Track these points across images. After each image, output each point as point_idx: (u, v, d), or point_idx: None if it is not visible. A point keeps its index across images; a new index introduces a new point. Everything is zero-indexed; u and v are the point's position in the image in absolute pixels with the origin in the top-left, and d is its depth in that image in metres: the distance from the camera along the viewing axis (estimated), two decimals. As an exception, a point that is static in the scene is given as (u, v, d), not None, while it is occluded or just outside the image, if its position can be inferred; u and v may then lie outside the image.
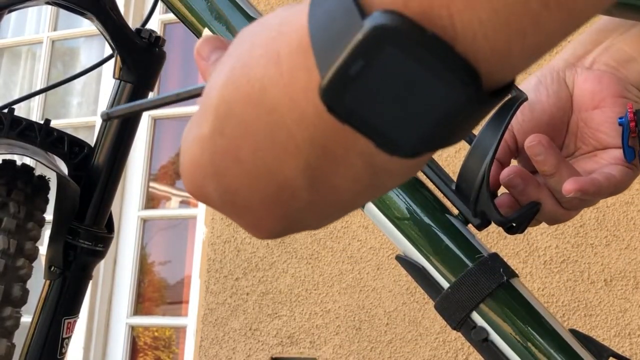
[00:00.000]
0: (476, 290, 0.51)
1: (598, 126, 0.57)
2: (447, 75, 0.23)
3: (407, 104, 0.23)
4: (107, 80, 2.73)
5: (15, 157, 0.84)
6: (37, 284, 0.81)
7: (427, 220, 0.54)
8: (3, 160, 0.82)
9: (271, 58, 0.26)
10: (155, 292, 2.73)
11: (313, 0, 0.25)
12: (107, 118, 0.37)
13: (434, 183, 0.56)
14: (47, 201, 0.85)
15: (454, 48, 0.22)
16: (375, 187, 0.28)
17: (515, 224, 0.53)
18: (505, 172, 0.55)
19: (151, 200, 2.71)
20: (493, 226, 0.53)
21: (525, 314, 0.51)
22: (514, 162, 0.60)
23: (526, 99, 0.50)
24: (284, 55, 0.26)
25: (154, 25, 2.68)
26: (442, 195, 0.58)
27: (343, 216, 0.31)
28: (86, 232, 0.82)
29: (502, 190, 0.56)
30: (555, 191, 0.55)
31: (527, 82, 0.60)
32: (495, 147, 0.50)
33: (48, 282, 0.82)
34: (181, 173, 0.31)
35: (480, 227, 0.53)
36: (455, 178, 0.54)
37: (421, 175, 0.58)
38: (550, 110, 0.59)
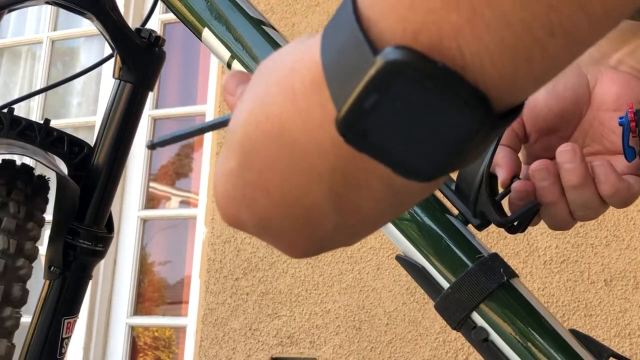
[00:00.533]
0: (476, 290, 0.51)
1: (616, 129, 0.56)
2: (458, 102, 0.23)
3: (422, 133, 0.24)
4: (107, 80, 2.73)
5: (15, 157, 0.84)
6: (37, 284, 0.81)
7: (427, 220, 0.54)
8: (3, 160, 0.82)
9: (287, 95, 0.27)
10: (155, 292, 2.73)
11: (325, 35, 0.26)
12: (152, 147, 0.39)
13: None
14: (46, 201, 0.85)
15: (464, 77, 0.23)
16: (398, 206, 0.29)
17: (517, 228, 0.53)
18: (539, 163, 0.54)
19: (151, 200, 2.71)
20: (493, 226, 0.53)
21: (525, 314, 0.51)
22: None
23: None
24: (299, 92, 0.27)
25: (154, 25, 2.68)
26: (442, 195, 0.58)
27: (372, 233, 0.32)
28: (86, 232, 0.81)
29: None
30: (572, 201, 0.53)
31: None
32: (493, 148, 0.50)
33: (48, 282, 0.82)
34: (216, 204, 0.34)
35: (480, 228, 0.53)
36: (455, 178, 0.54)
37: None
38: (564, 102, 0.57)
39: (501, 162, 0.55)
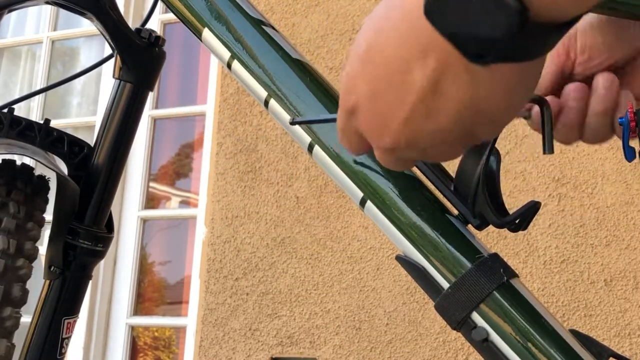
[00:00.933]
0: (476, 290, 0.51)
1: None
2: (505, 6, 0.33)
3: (479, 22, 0.34)
4: (107, 80, 2.73)
5: (15, 157, 0.84)
6: (37, 284, 0.81)
7: (427, 220, 0.54)
8: (3, 160, 0.82)
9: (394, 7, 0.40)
10: (155, 292, 2.73)
11: None
12: (293, 124, 0.56)
13: (433, 183, 0.56)
14: (46, 201, 0.85)
15: None
16: (477, 99, 0.38)
17: (518, 226, 0.53)
18: (576, 85, 0.57)
19: (151, 200, 2.71)
20: (493, 226, 0.53)
21: (525, 314, 0.51)
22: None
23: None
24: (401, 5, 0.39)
25: (154, 25, 2.68)
26: (441, 195, 0.58)
27: (464, 126, 0.40)
28: (86, 232, 0.81)
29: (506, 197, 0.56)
30: (588, 124, 0.57)
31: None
32: (489, 149, 0.50)
33: (48, 282, 0.82)
34: (342, 81, 0.45)
35: (480, 227, 0.53)
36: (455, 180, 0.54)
37: (421, 176, 0.58)
38: (629, 45, 0.59)
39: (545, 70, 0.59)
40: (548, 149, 0.50)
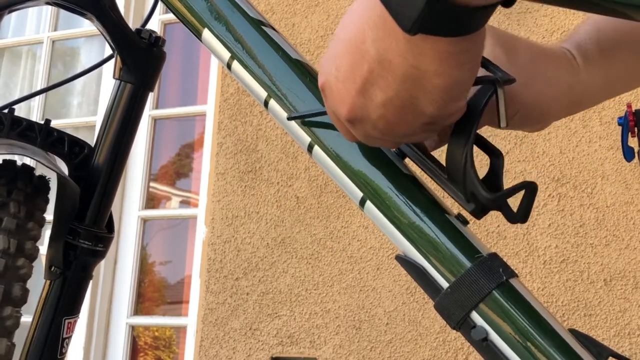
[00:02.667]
0: (476, 290, 0.51)
1: None
2: None
3: None
4: (107, 81, 2.73)
5: (16, 157, 0.84)
6: (37, 284, 0.81)
7: (426, 220, 0.54)
8: (3, 160, 0.82)
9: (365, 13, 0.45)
10: (155, 292, 2.73)
11: None
12: (290, 119, 0.60)
13: (427, 173, 0.56)
14: (47, 201, 0.85)
15: None
16: (416, 69, 0.43)
17: (516, 215, 0.53)
18: None
19: (151, 200, 2.72)
20: (493, 226, 0.53)
21: (524, 314, 0.51)
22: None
23: (503, 84, 0.51)
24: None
25: (154, 25, 2.68)
26: (441, 192, 0.58)
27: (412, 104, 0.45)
28: (86, 232, 0.82)
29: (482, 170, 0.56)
30: None
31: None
32: (475, 127, 0.50)
33: (48, 282, 0.82)
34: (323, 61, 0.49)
35: (476, 214, 0.53)
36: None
37: (421, 175, 0.58)
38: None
39: None
40: (502, 122, 0.51)
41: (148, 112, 2.62)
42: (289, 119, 0.60)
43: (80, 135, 0.92)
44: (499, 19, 2.03)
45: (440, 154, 0.56)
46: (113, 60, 0.85)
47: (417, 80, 0.43)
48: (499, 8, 0.42)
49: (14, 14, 1.20)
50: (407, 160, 0.58)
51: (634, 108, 0.56)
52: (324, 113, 0.56)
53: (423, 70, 0.43)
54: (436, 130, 0.50)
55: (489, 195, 0.51)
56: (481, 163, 0.53)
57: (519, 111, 0.58)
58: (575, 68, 0.62)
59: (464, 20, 0.40)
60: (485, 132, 0.57)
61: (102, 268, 2.50)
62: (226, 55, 0.65)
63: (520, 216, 0.53)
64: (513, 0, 0.43)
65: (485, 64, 0.51)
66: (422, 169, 0.56)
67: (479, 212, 0.53)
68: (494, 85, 0.50)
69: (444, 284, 0.52)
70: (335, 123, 0.52)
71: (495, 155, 0.54)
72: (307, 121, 0.60)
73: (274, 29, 0.66)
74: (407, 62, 0.43)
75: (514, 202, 0.52)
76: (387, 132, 0.48)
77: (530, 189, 0.52)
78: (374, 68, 0.44)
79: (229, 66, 0.65)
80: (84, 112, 2.94)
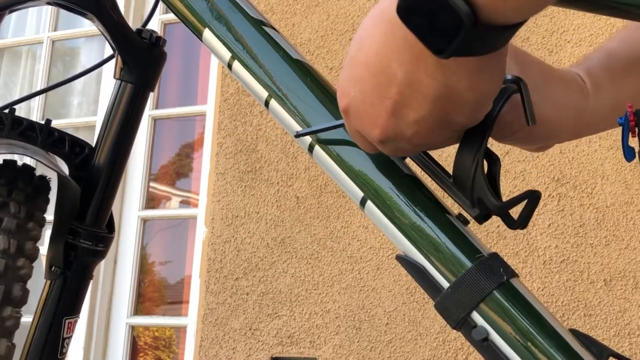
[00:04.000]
0: (476, 290, 0.51)
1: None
2: (458, 9, 0.39)
3: (439, 21, 0.40)
4: (107, 81, 2.73)
5: (16, 157, 0.84)
6: (38, 284, 0.81)
7: (427, 220, 0.54)
8: (4, 160, 0.82)
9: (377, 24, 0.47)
10: (155, 292, 2.73)
11: None
12: (297, 136, 0.60)
13: (432, 177, 0.56)
14: (47, 201, 0.85)
15: None
16: (447, 88, 0.44)
17: (517, 222, 0.53)
18: None
19: (151, 200, 2.71)
20: (493, 226, 0.53)
21: (525, 314, 0.51)
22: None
23: (516, 91, 0.50)
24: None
25: (155, 25, 2.68)
26: (441, 192, 0.58)
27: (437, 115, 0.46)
28: (87, 232, 0.81)
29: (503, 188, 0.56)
30: None
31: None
32: (487, 133, 0.50)
33: (49, 282, 0.82)
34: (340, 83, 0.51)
35: (479, 218, 0.53)
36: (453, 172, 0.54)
37: (421, 175, 0.58)
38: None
39: None
40: (531, 119, 0.52)
41: (148, 112, 2.62)
42: (297, 136, 0.60)
43: (81, 135, 0.92)
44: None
45: (440, 154, 0.56)
46: (113, 60, 0.85)
47: (449, 97, 0.45)
48: None
49: (14, 14, 1.20)
50: (408, 160, 0.58)
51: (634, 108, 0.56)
52: (334, 127, 0.57)
53: (454, 87, 0.44)
54: (462, 132, 0.51)
55: (498, 202, 0.51)
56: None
57: (524, 128, 0.58)
58: (585, 94, 0.63)
59: (493, 38, 0.42)
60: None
61: (102, 268, 2.50)
62: (227, 55, 0.65)
63: (520, 223, 0.53)
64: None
65: None
66: (425, 171, 0.56)
67: (482, 218, 0.53)
68: (518, 84, 0.51)
69: (445, 284, 0.52)
70: (358, 141, 0.52)
71: (493, 160, 0.54)
72: (307, 121, 0.60)
73: (274, 29, 0.66)
74: (438, 82, 0.44)
75: (516, 207, 0.53)
76: (421, 145, 0.49)
77: (533, 197, 0.53)
78: (404, 90, 0.45)
79: (229, 66, 0.65)
80: (84, 112, 2.94)
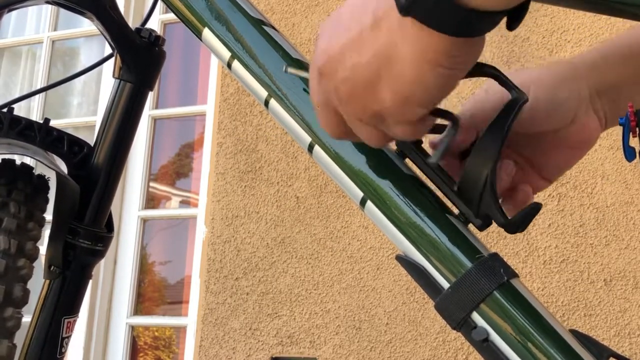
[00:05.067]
0: (476, 290, 0.51)
1: (551, 166, 0.60)
2: None
3: None
4: (107, 81, 2.73)
5: (15, 157, 0.84)
6: (37, 284, 0.81)
7: (427, 220, 0.54)
8: (3, 159, 0.82)
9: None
10: (155, 292, 2.73)
11: None
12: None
13: (435, 183, 0.56)
14: (47, 201, 0.85)
15: None
16: (394, 47, 0.43)
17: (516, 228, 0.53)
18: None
19: (151, 200, 2.71)
20: (493, 226, 0.53)
21: (525, 314, 0.51)
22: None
23: (527, 100, 0.50)
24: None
25: (154, 24, 2.68)
26: (443, 195, 0.58)
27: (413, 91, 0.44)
28: (86, 232, 0.81)
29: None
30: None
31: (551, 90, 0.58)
32: (498, 148, 0.49)
33: (48, 281, 0.82)
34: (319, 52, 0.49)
35: (481, 228, 0.53)
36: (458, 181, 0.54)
37: (421, 176, 0.58)
38: (555, 121, 0.58)
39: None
40: (434, 157, 0.50)
41: (148, 112, 2.62)
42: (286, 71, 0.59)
43: (81, 135, 0.91)
44: (499, 18, 2.03)
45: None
46: (113, 59, 0.85)
47: (389, 59, 0.44)
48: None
49: (13, 14, 1.20)
50: (408, 161, 0.58)
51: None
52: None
53: (399, 52, 0.43)
54: (381, 130, 0.48)
55: (506, 221, 0.51)
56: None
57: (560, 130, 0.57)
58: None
59: (455, 19, 0.40)
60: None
61: (102, 268, 2.50)
62: (227, 54, 0.65)
63: (520, 228, 0.53)
64: (516, 25, 0.43)
65: (502, 79, 0.50)
66: (427, 177, 0.56)
67: (484, 227, 0.53)
68: (451, 118, 0.49)
69: (445, 284, 0.52)
70: (310, 78, 0.51)
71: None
72: (306, 121, 0.60)
73: (274, 28, 0.66)
74: (389, 37, 0.43)
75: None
76: (343, 100, 0.47)
77: (536, 210, 0.53)
78: (363, 31, 0.45)
79: (229, 65, 0.65)
80: (84, 112, 2.94)
